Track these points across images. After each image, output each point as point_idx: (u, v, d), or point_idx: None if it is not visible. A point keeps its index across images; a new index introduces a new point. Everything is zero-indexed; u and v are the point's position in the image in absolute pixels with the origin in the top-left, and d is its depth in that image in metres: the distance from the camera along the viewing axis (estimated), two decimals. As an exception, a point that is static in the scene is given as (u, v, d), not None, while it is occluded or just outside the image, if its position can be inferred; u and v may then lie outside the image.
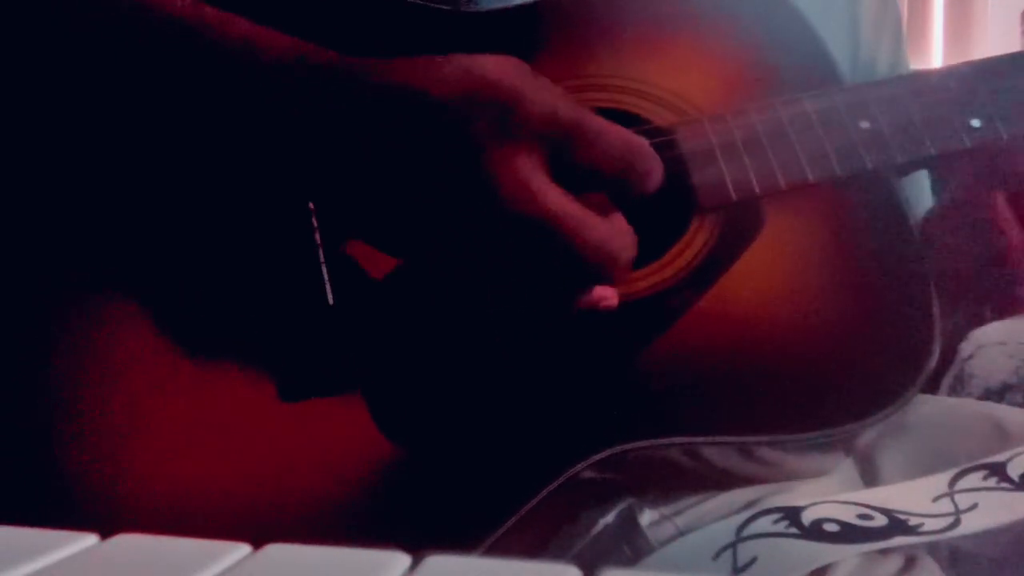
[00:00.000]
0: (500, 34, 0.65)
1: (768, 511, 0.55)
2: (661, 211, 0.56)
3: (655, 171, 0.52)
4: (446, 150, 0.49)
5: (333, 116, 0.51)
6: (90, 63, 0.55)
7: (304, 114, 0.52)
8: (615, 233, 0.51)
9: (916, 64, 1.05)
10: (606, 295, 0.54)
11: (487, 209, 0.49)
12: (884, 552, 0.55)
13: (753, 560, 0.52)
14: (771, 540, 0.53)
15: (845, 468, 0.64)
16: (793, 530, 0.53)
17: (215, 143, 0.55)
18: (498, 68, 0.50)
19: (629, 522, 0.58)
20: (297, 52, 0.53)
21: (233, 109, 0.53)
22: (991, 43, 2.00)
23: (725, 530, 0.54)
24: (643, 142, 0.52)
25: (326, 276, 0.58)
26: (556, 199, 0.49)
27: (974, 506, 0.55)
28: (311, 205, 0.59)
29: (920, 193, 0.76)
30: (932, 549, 0.57)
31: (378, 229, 0.54)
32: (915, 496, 0.56)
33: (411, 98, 0.50)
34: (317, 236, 0.58)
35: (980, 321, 0.72)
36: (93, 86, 0.56)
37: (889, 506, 0.55)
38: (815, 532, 0.53)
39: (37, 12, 0.55)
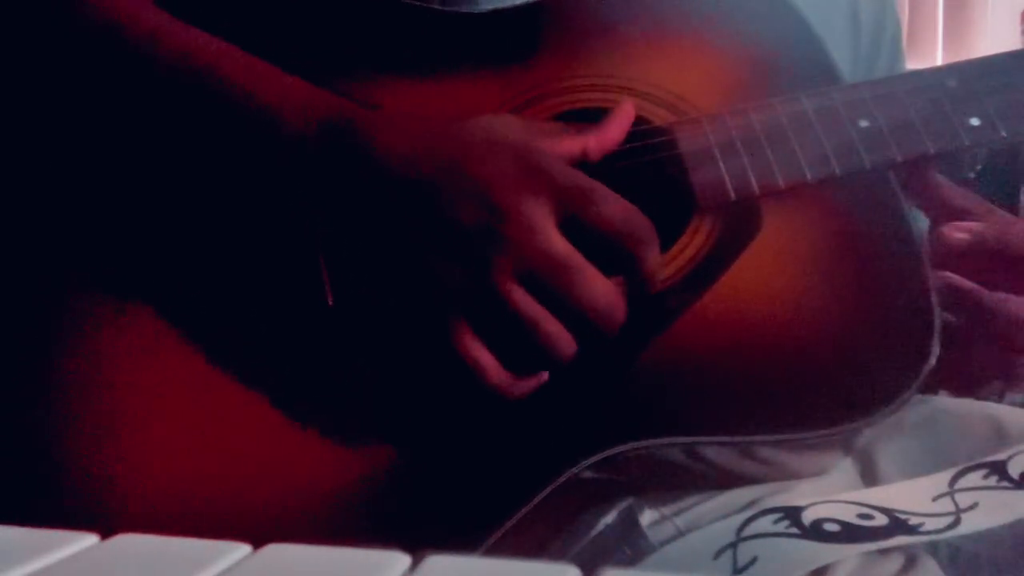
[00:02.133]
0: (499, 34, 0.65)
1: (768, 511, 0.55)
2: (660, 211, 0.56)
3: (651, 242, 0.54)
4: (464, 189, 0.53)
5: (352, 187, 0.55)
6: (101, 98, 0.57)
7: (324, 186, 0.55)
8: (608, 291, 0.53)
9: (916, 64, 1.05)
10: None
11: (493, 238, 0.52)
12: (884, 552, 0.55)
13: (753, 560, 0.52)
14: (771, 540, 0.53)
15: (845, 468, 0.64)
16: (793, 530, 0.53)
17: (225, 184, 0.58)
18: (516, 125, 0.56)
19: (629, 522, 0.58)
20: (319, 118, 0.55)
21: (251, 174, 0.57)
22: (991, 43, 2.00)
23: (725, 530, 0.54)
24: (640, 215, 0.54)
25: (326, 278, 0.58)
26: (559, 241, 0.53)
27: (974, 505, 0.54)
28: (311, 207, 0.59)
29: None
30: (932, 548, 0.57)
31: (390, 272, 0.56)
32: (915, 496, 0.56)
33: (439, 152, 0.54)
34: (317, 236, 0.58)
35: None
36: (106, 112, 0.58)
37: (889, 506, 0.55)
38: (815, 532, 0.53)
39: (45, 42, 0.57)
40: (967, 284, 0.59)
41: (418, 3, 0.64)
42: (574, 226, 0.54)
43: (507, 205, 0.52)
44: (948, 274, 0.59)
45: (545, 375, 0.54)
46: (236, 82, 0.56)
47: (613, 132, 0.59)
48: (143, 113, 0.58)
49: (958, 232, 0.59)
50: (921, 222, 0.71)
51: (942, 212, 0.61)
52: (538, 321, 0.53)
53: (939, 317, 0.56)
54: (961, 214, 0.60)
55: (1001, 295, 0.58)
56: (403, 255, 0.55)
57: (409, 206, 0.54)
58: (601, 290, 0.53)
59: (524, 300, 0.53)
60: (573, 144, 0.57)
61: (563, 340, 0.53)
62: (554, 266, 0.52)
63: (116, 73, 0.58)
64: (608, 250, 0.54)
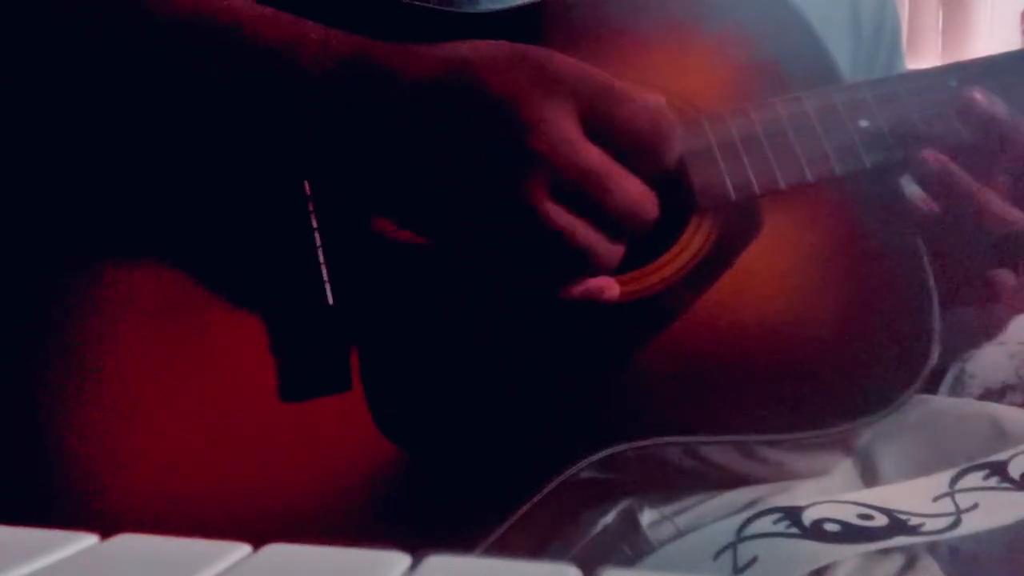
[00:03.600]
0: (500, 35, 0.65)
1: (768, 511, 0.55)
2: (660, 211, 0.56)
3: (675, 139, 0.53)
4: (486, 105, 0.51)
5: (377, 108, 0.53)
6: (118, 59, 0.56)
7: (347, 108, 0.53)
8: (643, 191, 0.52)
9: (916, 64, 1.05)
10: (606, 285, 0.55)
11: (522, 155, 0.50)
12: (884, 552, 0.55)
13: (753, 560, 0.52)
14: (771, 540, 0.53)
15: (845, 468, 0.64)
16: (794, 530, 0.53)
17: (251, 130, 0.56)
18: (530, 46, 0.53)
19: (629, 522, 0.58)
20: (338, 54, 0.53)
21: (273, 103, 0.54)
22: (991, 43, 2.00)
23: (725, 530, 0.54)
24: (665, 109, 0.53)
25: (325, 276, 0.58)
26: (591, 150, 0.51)
27: (975, 506, 0.54)
28: (310, 206, 0.59)
29: None
30: (932, 549, 0.57)
31: (411, 196, 0.54)
32: (916, 496, 0.56)
33: (457, 72, 0.52)
34: (317, 236, 0.58)
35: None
36: (117, 78, 0.56)
37: (890, 506, 0.55)
38: (816, 532, 0.53)
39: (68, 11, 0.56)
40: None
41: (417, 3, 0.64)
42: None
43: (532, 119, 0.50)
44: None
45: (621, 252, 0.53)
46: (252, 27, 0.54)
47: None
48: (155, 69, 0.56)
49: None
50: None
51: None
52: (578, 233, 0.51)
53: (939, 317, 0.56)
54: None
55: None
56: (429, 190, 0.52)
57: (433, 131, 0.52)
58: (637, 190, 0.52)
59: (557, 213, 0.50)
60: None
61: (600, 249, 0.52)
62: (587, 174, 0.50)
63: (129, 31, 0.56)
64: (631, 151, 0.52)
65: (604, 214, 0.51)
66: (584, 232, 0.51)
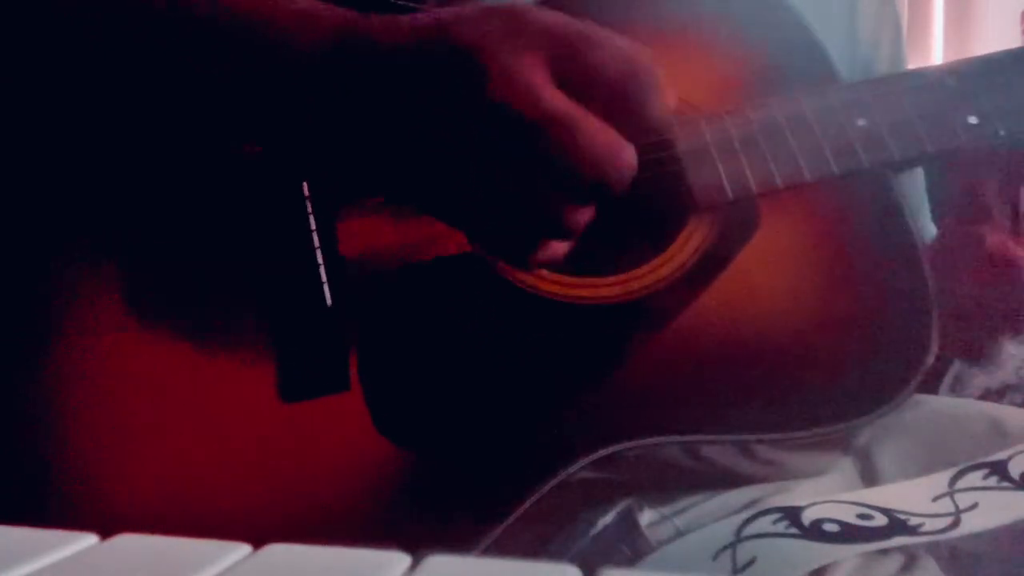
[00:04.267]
0: None
1: (768, 511, 0.55)
2: (658, 210, 0.56)
3: (656, 83, 0.49)
4: (456, 61, 0.48)
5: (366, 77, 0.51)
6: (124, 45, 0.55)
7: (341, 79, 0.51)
8: (615, 140, 0.48)
9: (916, 63, 1.05)
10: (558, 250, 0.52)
11: (487, 107, 0.47)
12: (884, 552, 0.55)
13: (753, 560, 0.52)
14: (771, 540, 0.53)
15: (845, 468, 0.64)
16: (793, 530, 0.53)
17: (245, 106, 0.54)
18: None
19: (629, 522, 0.58)
20: (332, 33, 0.52)
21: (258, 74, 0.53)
22: (991, 43, 2.00)
23: (725, 530, 0.54)
24: (647, 53, 0.49)
25: (323, 277, 0.58)
26: (556, 97, 0.47)
27: (974, 506, 0.54)
28: (308, 207, 0.59)
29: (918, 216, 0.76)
30: (932, 549, 0.57)
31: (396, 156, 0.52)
32: (915, 496, 0.56)
33: (430, 32, 0.50)
34: (315, 237, 0.58)
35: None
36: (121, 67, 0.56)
37: (889, 506, 0.55)
38: (815, 532, 0.53)
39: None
40: None
41: (414, 4, 0.64)
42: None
43: (494, 69, 0.47)
44: None
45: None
46: (244, 7, 0.54)
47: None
48: (143, 57, 0.55)
49: None
50: (925, 226, 0.71)
51: None
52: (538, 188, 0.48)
53: (937, 315, 0.56)
54: None
55: None
56: (413, 153, 0.51)
57: (413, 94, 0.50)
58: (606, 139, 0.48)
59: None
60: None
61: (574, 207, 0.49)
62: (550, 122, 0.47)
63: (115, 22, 0.55)
64: (606, 99, 0.48)
65: (569, 166, 0.47)
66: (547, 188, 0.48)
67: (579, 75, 0.48)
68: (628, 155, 0.48)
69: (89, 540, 0.26)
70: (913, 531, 0.53)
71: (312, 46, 0.52)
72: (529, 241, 0.51)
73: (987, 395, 0.77)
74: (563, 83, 0.48)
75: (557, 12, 0.49)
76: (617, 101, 0.48)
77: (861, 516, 0.54)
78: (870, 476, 0.64)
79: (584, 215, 0.49)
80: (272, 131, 0.55)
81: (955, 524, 0.53)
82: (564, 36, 0.48)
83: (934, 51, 2.06)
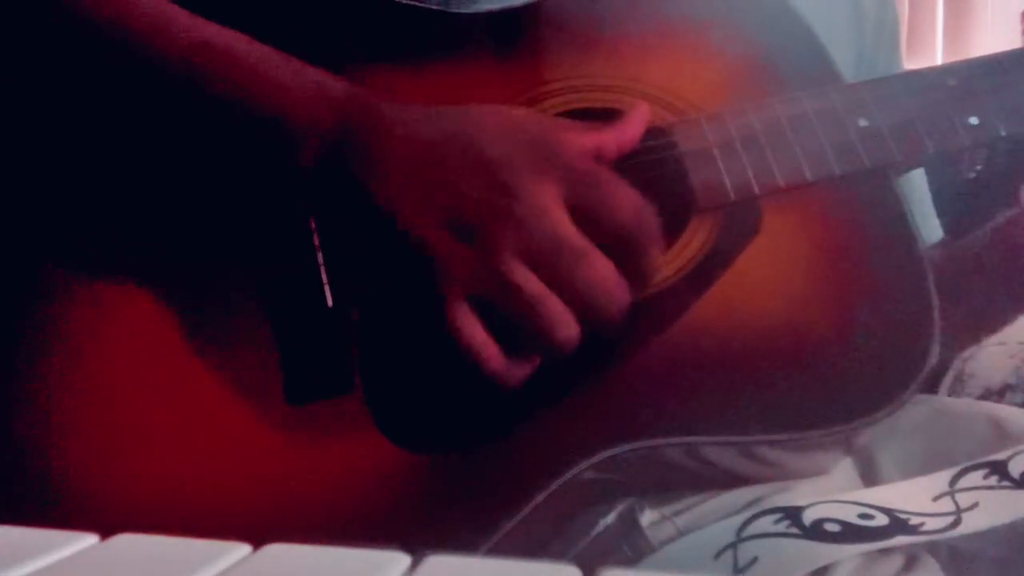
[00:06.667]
0: (499, 35, 0.65)
1: (769, 511, 0.55)
2: (660, 211, 0.56)
3: (657, 238, 0.54)
4: (480, 170, 0.52)
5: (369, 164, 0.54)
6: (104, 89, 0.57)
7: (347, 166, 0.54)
8: (614, 275, 0.52)
9: (916, 63, 1.05)
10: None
11: (499, 217, 0.51)
12: (885, 552, 0.55)
13: (754, 560, 0.52)
14: (772, 540, 0.53)
15: (845, 468, 0.64)
16: (794, 530, 0.53)
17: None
18: (533, 116, 0.55)
19: (629, 522, 0.58)
20: (332, 106, 0.54)
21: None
22: (991, 43, 2.00)
23: (726, 530, 0.54)
24: (651, 209, 0.53)
25: (325, 279, 0.58)
26: (567, 222, 0.51)
27: (975, 505, 0.54)
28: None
29: (925, 222, 0.76)
30: (932, 548, 0.57)
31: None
32: (916, 495, 0.56)
33: (457, 136, 0.54)
34: (316, 239, 0.58)
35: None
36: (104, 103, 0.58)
37: (890, 505, 0.55)
38: (816, 532, 0.53)
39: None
40: None
41: (416, 3, 0.64)
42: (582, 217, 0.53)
43: (517, 184, 0.51)
44: None
45: (537, 360, 0.53)
46: (247, 69, 0.55)
47: (631, 131, 0.58)
48: (148, 102, 0.57)
49: None
50: (927, 227, 0.71)
51: None
52: (540, 300, 0.51)
53: (939, 317, 0.56)
54: None
55: None
56: (409, 237, 0.53)
57: (420, 184, 0.53)
58: (608, 275, 0.52)
59: (527, 278, 0.51)
60: (589, 140, 0.56)
61: (565, 322, 0.52)
62: (560, 247, 0.51)
63: (119, 64, 0.57)
64: (613, 244, 0.53)
65: (572, 293, 0.51)
66: (546, 299, 0.51)
67: (592, 213, 0.52)
68: (623, 296, 0.53)
69: (89, 540, 0.26)
70: (914, 531, 0.53)
71: (311, 116, 0.54)
72: (527, 345, 0.53)
73: (987, 395, 0.77)
74: (575, 219, 0.52)
75: (573, 148, 0.54)
76: (621, 246, 0.53)
77: (862, 516, 0.54)
78: (871, 476, 0.64)
79: (576, 333, 0.53)
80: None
81: (956, 524, 0.53)
82: (582, 176, 0.53)
83: (934, 52, 2.06)
